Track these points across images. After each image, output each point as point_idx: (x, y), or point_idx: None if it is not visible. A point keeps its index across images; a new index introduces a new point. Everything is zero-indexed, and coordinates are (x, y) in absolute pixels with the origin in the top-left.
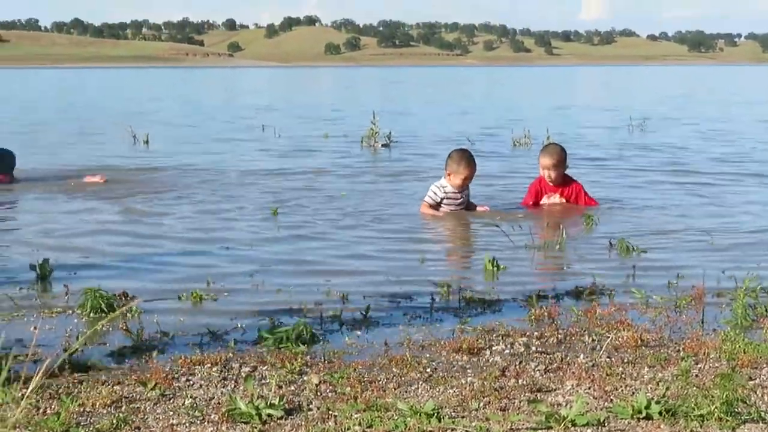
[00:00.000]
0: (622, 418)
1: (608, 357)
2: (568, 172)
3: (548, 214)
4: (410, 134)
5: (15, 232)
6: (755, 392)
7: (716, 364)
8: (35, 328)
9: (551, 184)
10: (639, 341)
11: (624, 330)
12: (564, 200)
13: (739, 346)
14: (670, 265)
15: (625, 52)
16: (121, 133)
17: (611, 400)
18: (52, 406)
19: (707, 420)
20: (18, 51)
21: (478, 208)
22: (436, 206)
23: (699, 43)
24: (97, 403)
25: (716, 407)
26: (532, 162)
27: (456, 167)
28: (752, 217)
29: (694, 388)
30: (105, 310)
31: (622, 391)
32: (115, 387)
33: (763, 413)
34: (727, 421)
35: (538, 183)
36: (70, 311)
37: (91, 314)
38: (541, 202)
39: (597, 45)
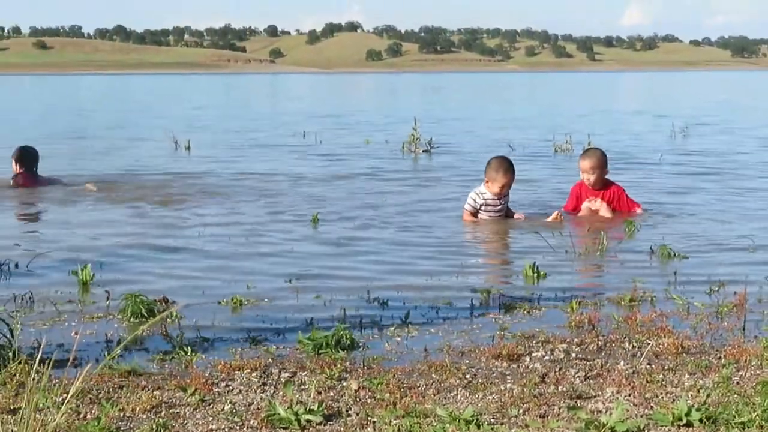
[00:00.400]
0: (662, 426)
1: (649, 364)
2: (609, 177)
3: (589, 220)
4: (451, 140)
5: (55, 237)
6: None
7: (758, 372)
8: (76, 332)
9: (591, 188)
10: (680, 348)
11: (665, 337)
12: (605, 204)
13: None
14: (712, 271)
15: (668, 57)
16: (162, 139)
17: (651, 407)
18: (93, 411)
19: (748, 428)
20: (62, 58)
21: (515, 216)
22: (475, 213)
23: (742, 48)
24: (137, 409)
25: (757, 415)
26: (573, 167)
27: (494, 174)
28: None
29: (735, 395)
30: (145, 315)
31: (662, 398)
32: (155, 392)
33: None
34: None
35: (578, 187)
36: (111, 316)
37: (132, 319)
38: (582, 206)
39: (639, 50)
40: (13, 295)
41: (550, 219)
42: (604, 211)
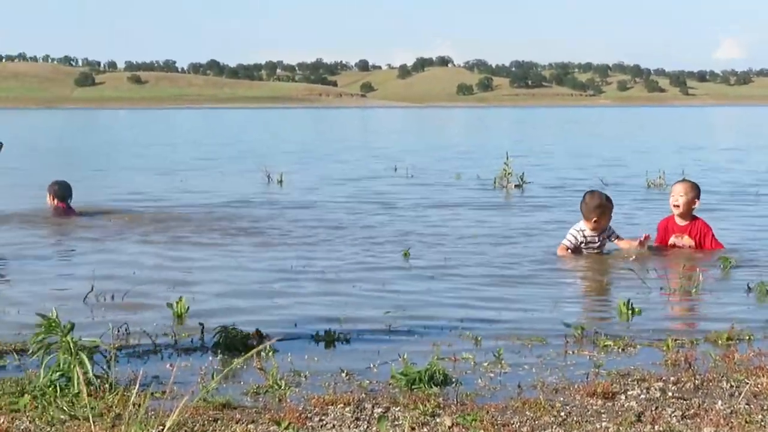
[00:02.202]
0: None
1: (747, 404)
2: (700, 214)
3: (684, 257)
4: (543, 175)
5: (147, 269)
6: None
7: None
8: (171, 365)
9: (678, 216)
10: None
11: (763, 376)
12: (692, 241)
13: None
14: None
15: (763, 92)
16: (255, 172)
17: None
18: None
19: None
20: (156, 92)
21: (623, 243)
22: (575, 250)
23: None
24: None
25: None
26: (666, 203)
27: (588, 210)
28: None
29: None
30: (239, 348)
31: None
32: (249, 425)
33: None
34: None
35: (666, 222)
36: (205, 349)
37: (226, 353)
38: (670, 242)
39: (733, 85)
40: (110, 326)
41: (636, 242)
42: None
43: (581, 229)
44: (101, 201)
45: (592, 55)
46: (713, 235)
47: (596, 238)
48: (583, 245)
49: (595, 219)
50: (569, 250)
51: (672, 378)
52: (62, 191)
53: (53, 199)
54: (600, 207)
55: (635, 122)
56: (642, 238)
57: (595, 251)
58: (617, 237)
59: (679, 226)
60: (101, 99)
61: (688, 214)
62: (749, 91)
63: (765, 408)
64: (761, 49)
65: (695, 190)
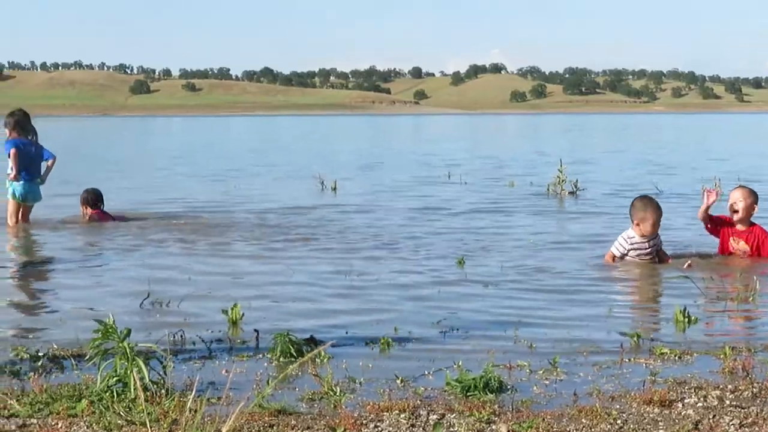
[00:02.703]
0: None
1: None
2: (757, 221)
3: (740, 264)
4: (597, 182)
5: (204, 275)
6: None
7: None
8: (227, 371)
9: (736, 220)
10: None
11: None
12: (747, 247)
13: None
14: None
15: None
16: (309, 180)
17: None
18: None
19: None
20: (210, 99)
21: (668, 261)
22: (622, 257)
23: None
24: None
25: None
26: (722, 209)
27: (642, 214)
28: None
29: None
30: (294, 354)
31: None
32: (305, 431)
33: None
34: None
35: (724, 227)
36: (261, 355)
37: (281, 359)
38: (729, 246)
39: None
40: (166, 332)
41: (684, 267)
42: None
43: (630, 236)
44: (154, 206)
45: (647, 62)
46: None
47: (645, 245)
48: (632, 253)
49: (651, 222)
50: (616, 258)
51: (729, 386)
52: (93, 198)
53: (86, 208)
54: (654, 209)
55: (690, 129)
56: (687, 265)
57: (647, 258)
58: (663, 253)
59: (737, 230)
60: (156, 106)
61: (747, 219)
62: None
63: None
64: None
65: (753, 196)
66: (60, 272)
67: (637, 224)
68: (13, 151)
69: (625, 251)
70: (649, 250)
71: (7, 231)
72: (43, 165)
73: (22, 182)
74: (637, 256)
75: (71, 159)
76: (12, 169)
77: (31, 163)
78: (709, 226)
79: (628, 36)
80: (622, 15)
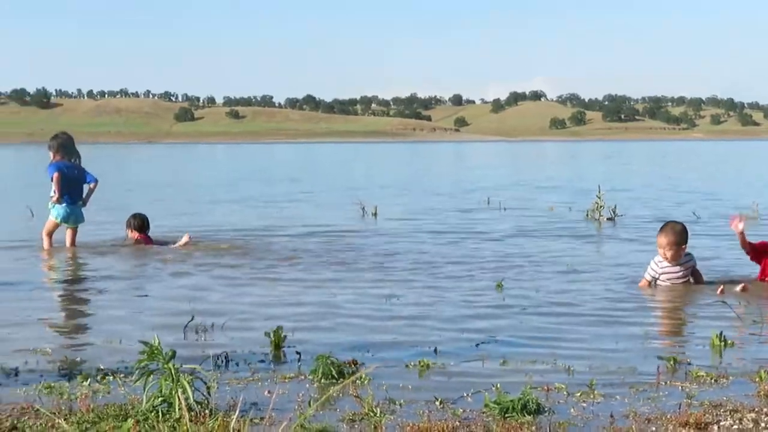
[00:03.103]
0: None
1: None
2: None
3: None
4: (635, 208)
5: (247, 297)
6: None
7: None
8: (269, 392)
9: None
10: None
11: None
12: None
13: None
14: None
15: None
16: (350, 206)
17: None
18: None
19: None
20: (254, 126)
21: (703, 283)
22: (654, 281)
23: None
24: None
25: None
26: (760, 233)
27: (658, 240)
28: None
29: None
30: (335, 376)
31: None
32: None
33: None
34: None
35: (763, 245)
36: (303, 377)
37: (323, 380)
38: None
39: None
40: (210, 354)
41: (738, 289)
42: None
43: (658, 261)
44: (198, 231)
45: (685, 89)
46: None
47: (676, 268)
48: (663, 276)
49: (661, 247)
50: (651, 283)
51: (765, 409)
52: (140, 223)
53: (132, 231)
54: (664, 233)
55: (729, 156)
56: (741, 287)
57: (680, 282)
58: (699, 275)
59: None
60: (200, 133)
61: None
62: None
63: None
64: None
65: None
66: (106, 294)
67: (660, 249)
68: (56, 175)
69: (657, 275)
70: (679, 273)
71: (42, 251)
72: (86, 188)
73: (64, 205)
74: (668, 280)
75: (117, 184)
76: (55, 192)
77: (73, 185)
78: (751, 253)
79: (667, 63)
80: (660, 43)
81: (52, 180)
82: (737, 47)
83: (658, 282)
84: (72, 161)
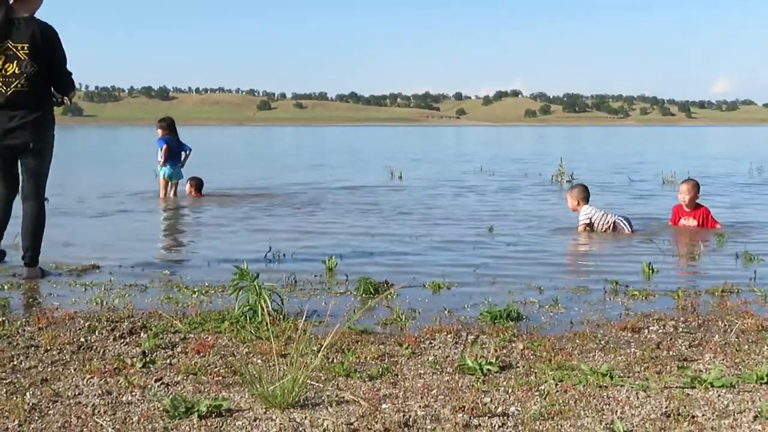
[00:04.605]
0: (748, 383)
1: (737, 338)
2: (700, 200)
3: (690, 233)
4: (587, 174)
5: (307, 234)
6: None
7: None
8: (326, 303)
9: (686, 208)
10: (760, 327)
11: (748, 318)
12: (695, 222)
13: None
14: None
15: (746, 116)
16: (383, 170)
17: (740, 369)
18: (338, 358)
19: None
20: (313, 114)
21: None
22: (590, 225)
23: None
24: (368, 357)
25: None
26: (676, 194)
27: (569, 198)
28: None
29: None
30: (373, 292)
31: (748, 363)
32: (380, 346)
33: None
34: None
35: (677, 208)
36: (349, 293)
37: (364, 295)
38: (680, 223)
39: (725, 111)
40: (284, 275)
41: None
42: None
43: (586, 212)
44: (268, 186)
45: (623, 88)
46: (712, 217)
47: (595, 217)
48: (595, 221)
49: (571, 202)
50: (586, 227)
51: (681, 318)
52: (198, 183)
53: (192, 189)
54: (573, 197)
55: (654, 138)
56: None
57: (604, 227)
58: (622, 224)
59: (686, 211)
60: (275, 119)
61: (693, 203)
62: (736, 115)
63: (750, 341)
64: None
65: (696, 187)
66: (204, 231)
67: (572, 200)
68: (164, 146)
69: (588, 221)
70: (600, 221)
71: (160, 202)
72: (183, 155)
73: (168, 166)
74: (597, 224)
75: (220, 154)
76: (161, 157)
77: (174, 153)
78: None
79: (610, 69)
80: (605, 53)
81: (161, 149)
82: (660, 57)
83: (595, 226)
84: (173, 136)
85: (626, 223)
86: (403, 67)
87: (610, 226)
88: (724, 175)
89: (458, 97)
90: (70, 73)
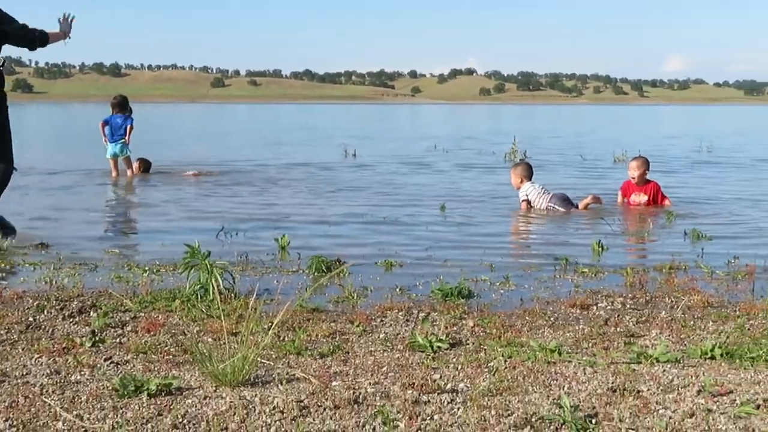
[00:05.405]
0: (693, 358)
1: (683, 314)
2: (653, 175)
3: (639, 210)
4: (539, 152)
5: (259, 213)
6: None
7: (764, 321)
8: (278, 281)
9: (636, 184)
10: (706, 303)
11: (695, 295)
12: (646, 197)
13: None
14: (730, 248)
15: (698, 95)
16: (337, 148)
17: (685, 344)
18: (289, 336)
19: (756, 361)
20: (266, 92)
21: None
22: (529, 203)
23: (752, 89)
24: (320, 335)
25: (763, 352)
26: (626, 171)
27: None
28: None
29: (747, 338)
30: (325, 270)
31: (693, 338)
32: (331, 324)
33: None
34: None
35: (626, 184)
36: (301, 271)
37: (316, 273)
38: (630, 199)
39: (676, 90)
40: (236, 254)
41: (588, 200)
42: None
43: (526, 191)
44: (218, 164)
45: (576, 67)
46: (662, 192)
47: (534, 194)
48: (534, 201)
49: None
50: (528, 205)
51: (630, 295)
52: (146, 165)
53: (140, 169)
54: (515, 174)
55: (607, 116)
56: (591, 198)
57: (544, 205)
58: (565, 203)
59: (636, 187)
60: (229, 96)
61: (642, 179)
62: (688, 94)
63: (695, 317)
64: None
65: (646, 164)
66: (155, 210)
67: (517, 179)
68: (101, 123)
69: (526, 198)
70: (540, 199)
71: (111, 180)
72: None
73: (111, 144)
74: (534, 203)
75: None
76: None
77: (115, 131)
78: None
79: (564, 47)
80: (560, 33)
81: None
82: (613, 37)
83: (535, 204)
84: (117, 113)
85: (559, 205)
86: (358, 44)
87: (545, 207)
88: (675, 153)
89: (413, 75)
90: (25, 26)
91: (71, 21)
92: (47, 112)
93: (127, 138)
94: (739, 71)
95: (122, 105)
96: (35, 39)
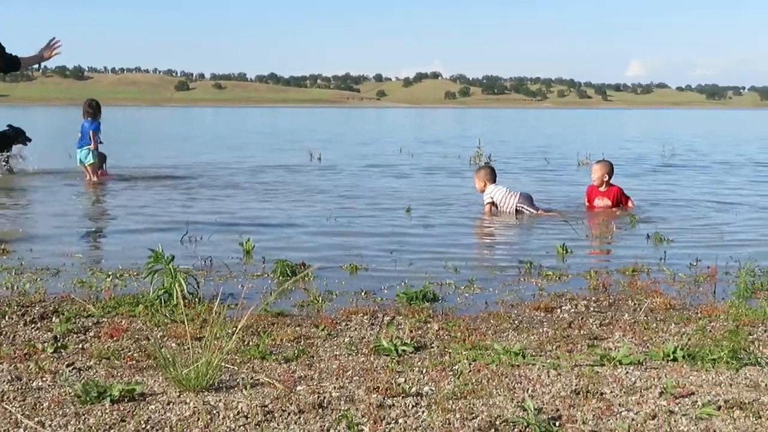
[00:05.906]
0: (655, 360)
1: (645, 316)
2: (614, 181)
3: (603, 214)
4: (504, 156)
5: (224, 217)
6: (753, 344)
7: (724, 323)
8: (242, 286)
9: (599, 188)
10: (668, 305)
11: (657, 297)
12: (609, 201)
13: (742, 311)
14: (692, 251)
15: (660, 99)
16: (301, 152)
17: (647, 346)
18: (254, 340)
19: (717, 363)
20: (231, 95)
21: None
22: (494, 205)
23: (714, 93)
24: (284, 339)
25: (724, 354)
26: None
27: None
28: (756, 213)
29: (709, 339)
30: (290, 274)
31: (655, 340)
32: (296, 328)
33: (759, 359)
34: (733, 364)
35: (590, 189)
36: (266, 275)
37: (280, 277)
38: (594, 203)
39: (640, 94)
40: (200, 258)
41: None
42: (609, 206)
43: (490, 193)
44: (184, 168)
45: (541, 71)
46: (624, 194)
47: (499, 198)
48: (498, 203)
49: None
50: (492, 207)
51: (593, 298)
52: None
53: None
54: (479, 178)
55: (571, 120)
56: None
57: (508, 208)
58: (528, 207)
59: (599, 191)
60: (193, 100)
61: (605, 183)
62: (651, 98)
63: (658, 319)
64: (660, 68)
65: (609, 167)
66: (118, 214)
67: (480, 182)
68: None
69: (491, 200)
70: (503, 201)
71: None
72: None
73: (79, 149)
74: (500, 205)
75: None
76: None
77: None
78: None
79: (528, 51)
80: (524, 36)
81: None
82: (577, 41)
83: (499, 207)
84: (87, 118)
85: (526, 206)
86: (324, 48)
87: (512, 209)
88: (638, 156)
89: (378, 78)
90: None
91: (55, 46)
92: (9, 116)
93: (92, 143)
94: (701, 76)
95: (93, 110)
96: (14, 64)
